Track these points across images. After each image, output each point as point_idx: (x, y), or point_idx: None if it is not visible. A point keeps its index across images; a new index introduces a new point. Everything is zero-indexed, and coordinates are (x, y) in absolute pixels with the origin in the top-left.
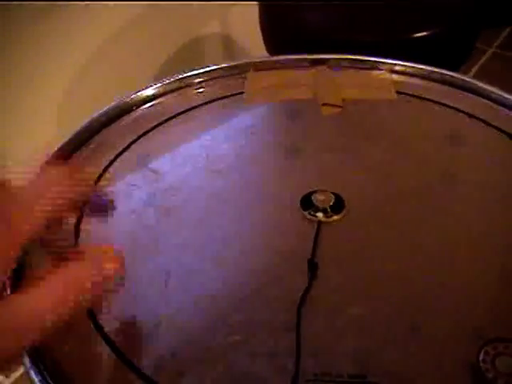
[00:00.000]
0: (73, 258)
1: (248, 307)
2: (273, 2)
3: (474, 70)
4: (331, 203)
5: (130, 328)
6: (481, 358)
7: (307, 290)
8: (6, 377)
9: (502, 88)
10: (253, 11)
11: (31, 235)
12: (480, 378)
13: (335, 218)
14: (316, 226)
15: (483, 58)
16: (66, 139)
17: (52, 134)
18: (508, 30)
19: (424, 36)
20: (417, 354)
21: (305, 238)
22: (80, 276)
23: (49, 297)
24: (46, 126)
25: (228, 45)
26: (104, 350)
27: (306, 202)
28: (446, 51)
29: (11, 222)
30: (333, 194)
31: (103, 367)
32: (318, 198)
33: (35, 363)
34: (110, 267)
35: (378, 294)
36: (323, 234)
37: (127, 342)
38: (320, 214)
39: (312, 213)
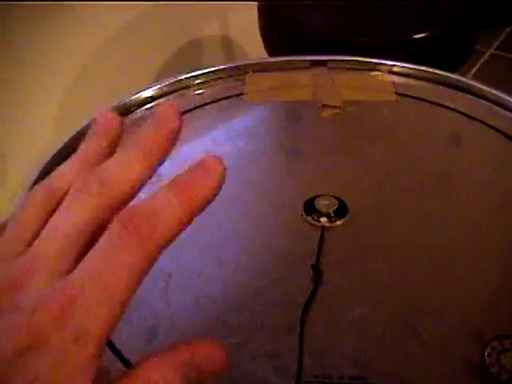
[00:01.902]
0: None
1: (248, 309)
2: (272, 3)
3: (473, 71)
4: (335, 208)
5: (131, 329)
6: (486, 353)
7: (312, 296)
8: None
9: (501, 89)
10: (252, 12)
11: None
12: (485, 373)
13: (339, 222)
14: (320, 232)
15: (482, 60)
16: (64, 140)
17: (51, 135)
18: (507, 31)
19: (423, 37)
20: (417, 356)
21: (305, 240)
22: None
23: None
24: (45, 127)
25: (227, 46)
26: (104, 351)
27: (310, 207)
28: (445, 52)
29: None
30: (336, 198)
31: (103, 368)
32: (321, 203)
33: None
34: None
35: (377, 295)
36: (326, 239)
37: (127, 343)
38: (324, 219)
39: (316, 218)
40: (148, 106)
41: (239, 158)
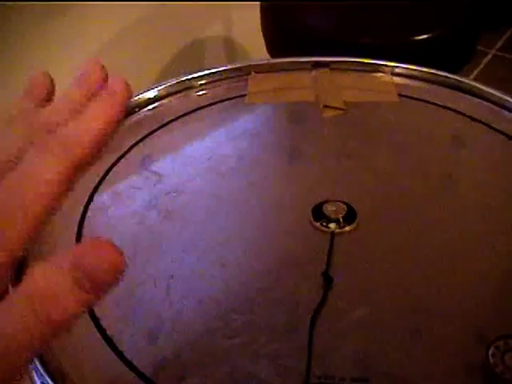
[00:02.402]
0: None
1: (251, 310)
2: (274, 4)
3: (475, 72)
4: (344, 214)
5: (133, 330)
6: (490, 352)
7: (322, 302)
8: None
9: (504, 90)
10: (254, 13)
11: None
12: (488, 372)
13: (347, 228)
14: (329, 236)
15: (485, 60)
16: None
17: None
18: (509, 32)
19: (425, 39)
20: (420, 357)
21: (309, 240)
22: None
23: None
24: None
25: (230, 47)
26: (106, 352)
27: (317, 211)
28: (447, 54)
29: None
30: (343, 203)
31: (105, 370)
32: (329, 209)
33: (36, 365)
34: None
35: (379, 296)
36: (335, 244)
37: (129, 344)
38: (333, 225)
39: (325, 224)
40: (151, 106)
41: (241, 159)
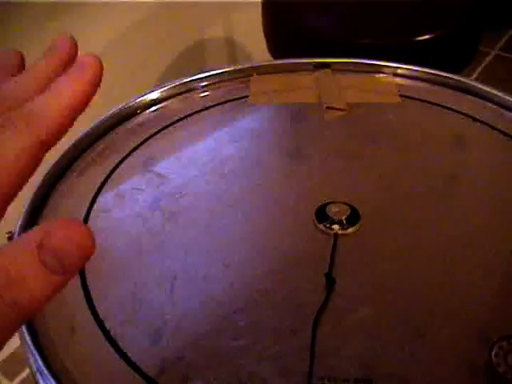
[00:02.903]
0: None
1: (254, 311)
2: (276, 5)
3: (477, 72)
4: (347, 215)
5: (137, 331)
6: (493, 352)
7: (325, 304)
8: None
9: (506, 90)
10: (256, 14)
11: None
12: (491, 372)
13: (350, 230)
14: (332, 238)
15: (486, 60)
16: (71, 143)
17: None
18: (511, 31)
19: (427, 39)
20: (423, 357)
21: (312, 242)
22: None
23: None
24: None
25: (231, 48)
26: (110, 353)
27: (321, 213)
28: (448, 54)
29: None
30: (346, 204)
31: (109, 370)
32: (332, 210)
33: (40, 366)
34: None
35: (382, 297)
36: (338, 244)
37: (133, 345)
38: (336, 227)
39: (328, 225)
40: (153, 108)
41: (244, 160)
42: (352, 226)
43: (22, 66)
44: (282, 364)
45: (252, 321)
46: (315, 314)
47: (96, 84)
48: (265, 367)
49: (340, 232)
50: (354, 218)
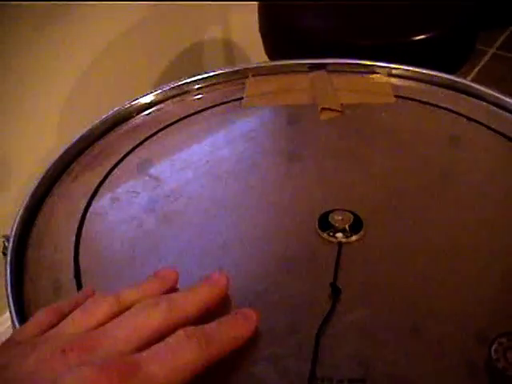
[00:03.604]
0: None
1: None
2: (272, 6)
3: (474, 71)
4: (350, 223)
5: None
6: (493, 348)
7: (330, 315)
8: None
9: (503, 89)
10: (252, 16)
11: None
12: (491, 368)
13: (354, 238)
14: (337, 248)
15: (484, 60)
16: (66, 146)
17: (53, 140)
18: (508, 30)
19: (423, 39)
20: (420, 357)
21: (307, 241)
22: None
23: None
24: (46, 133)
25: (229, 50)
26: None
27: (323, 220)
28: (445, 53)
29: None
30: (348, 211)
31: None
32: (335, 218)
33: None
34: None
35: (379, 296)
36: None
37: None
38: (340, 235)
39: (331, 233)
40: (148, 111)
41: (240, 162)
42: (355, 234)
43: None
44: (280, 364)
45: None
46: (320, 323)
47: (223, 295)
48: (261, 368)
49: (344, 240)
50: (357, 225)
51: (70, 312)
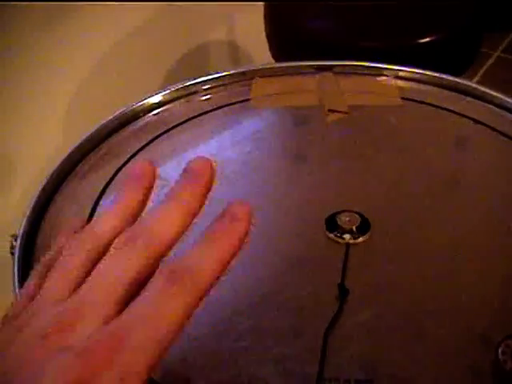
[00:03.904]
0: None
1: (256, 314)
2: (278, 8)
3: (479, 74)
4: (357, 224)
5: None
6: (500, 350)
7: (337, 316)
8: None
9: (508, 92)
10: (258, 17)
11: None
12: (498, 369)
13: (361, 239)
14: (344, 249)
15: (488, 62)
16: (73, 146)
17: (59, 141)
18: None
19: (428, 41)
20: (425, 358)
21: (313, 241)
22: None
23: None
24: (53, 134)
25: (234, 51)
26: None
27: (330, 221)
28: (450, 56)
29: None
30: (356, 213)
31: None
32: (342, 219)
33: None
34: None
35: (384, 298)
36: (349, 254)
37: None
38: (347, 236)
39: (339, 235)
40: (155, 111)
41: (246, 164)
42: (362, 235)
43: (154, 181)
44: (284, 366)
45: (254, 323)
46: (327, 325)
47: (246, 238)
48: (267, 369)
49: (351, 241)
50: (364, 227)
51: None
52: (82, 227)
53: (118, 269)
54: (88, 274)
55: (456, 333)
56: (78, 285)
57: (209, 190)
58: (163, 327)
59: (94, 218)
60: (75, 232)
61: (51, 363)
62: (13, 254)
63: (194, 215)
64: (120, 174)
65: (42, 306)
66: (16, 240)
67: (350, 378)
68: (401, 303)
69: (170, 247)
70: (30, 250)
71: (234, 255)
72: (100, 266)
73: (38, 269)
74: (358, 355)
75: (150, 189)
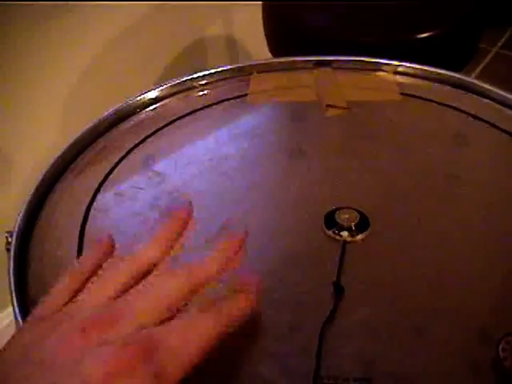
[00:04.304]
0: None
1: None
2: (276, 3)
3: (478, 69)
4: (356, 221)
5: None
6: (501, 347)
7: (332, 314)
8: None
9: (506, 88)
10: (256, 13)
11: None
12: (498, 366)
13: (359, 237)
14: (341, 245)
15: (487, 58)
16: (70, 142)
17: (56, 136)
18: (511, 29)
19: (427, 36)
20: (423, 357)
21: (311, 238)
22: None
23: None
24: (50, 129)
25: (232, 46)
26: None
27: (329, 218)
28: (449, 51)
29: None
30: (354, 210)
31: None
32: (341, 217)
33: None
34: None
35: (382, 296)
36: (346, 253)
37: None
38: (345, 233)
39: (336, 231)
40: (152, 107)
41: (244, 159)
42: (361, 233)
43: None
44: (282, 361)
45: (251, 319)
46: (322, 324)
47: (242, 246)
48: (265, 365)
49: (349, 239)
50: (363, 224)
51: (91, 275)
52: (111, 245)
53: (161, 289)
54: (125, 290)
55: (455, 330)
56: (117, 295)
57: (241, 245)
58: (195, 340)
59: (136, 244)
60: (107, 251)
61: (91, 352)
62: (8, 250)
63: (231, 263)
64: (117, 170)
65: (83, 306)
66: (12, 236)
67: (348, 377)
68: (399, 300)
69: (209, 278)
70: (26, 246)
71: (248, 313)
72: (144, 284)
73: (71, 274)
74: (357, 353)
75: (186, 226)
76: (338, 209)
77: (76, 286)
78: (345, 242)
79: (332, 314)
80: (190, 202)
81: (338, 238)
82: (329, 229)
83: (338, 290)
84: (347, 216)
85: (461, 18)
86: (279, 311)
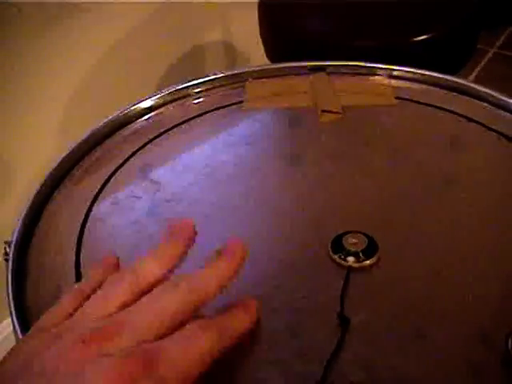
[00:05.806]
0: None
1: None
2: (273, 9)
3: (476, 70)
4: (364, 246)
5: None
6: (510, 342)
7: (339, 346)
8: None
9: (506, 89)
10: (253, 18)
11: None
12: (508, 361)
13: (367, 262)
14: (345, 270)
15: (485, 59)
16: (67, 151)
17: (54, 145)
18: (509, 30)
19: (424, 39)
20: (423, 359)
21: (305, 245)
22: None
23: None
24: (47, 138)
25: (230, 53)
26: None
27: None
28: (446, 54)
29: None
30: (363, 234)
31: None
32: (349, 241)
33: None
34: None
35: (382, 299)
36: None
37: None
38: (351, 259)
39: (342, 257)
40: (148, 115)
41: (240, 166)
42: (368, 259)
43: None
44: (282, 367)
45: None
46: (329, 356)
47: (241, 265)
48: (264, 370)
49: (354, 265)
50: (371, 249)
51: (92, 292)
52: (116, 264)
53: (161, 304)
54: (127, 305)
55: (456, 333)
56: (118, 310)
57: (242, 264)
58: (195, 352)
59: (136, 262)
60: (112, 267)
61: (92, 364)
62: (6, 260)
63: (231, 280)
64: (114, 179)
65: (84, 319)
66: (10, 246)
67: (348, 380)
68: (399, 303)
69: (210, 295)
70: (24, 255)
71: (247, 332)
72: (145, 299)
73: (73, 291)
74: (356, 358)
75: (190, 244)
76: (345, 233)
77: (79, 301)
78: (349, 268)
79: (338, 348)
80: (194, 226)
81: (343, 263)
82: (335, 253)
83: (344, 321)
84: (355, 241)
85: (458, 19)
86: (274, 315)
